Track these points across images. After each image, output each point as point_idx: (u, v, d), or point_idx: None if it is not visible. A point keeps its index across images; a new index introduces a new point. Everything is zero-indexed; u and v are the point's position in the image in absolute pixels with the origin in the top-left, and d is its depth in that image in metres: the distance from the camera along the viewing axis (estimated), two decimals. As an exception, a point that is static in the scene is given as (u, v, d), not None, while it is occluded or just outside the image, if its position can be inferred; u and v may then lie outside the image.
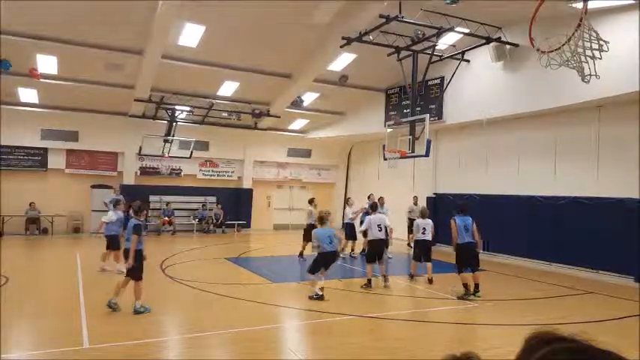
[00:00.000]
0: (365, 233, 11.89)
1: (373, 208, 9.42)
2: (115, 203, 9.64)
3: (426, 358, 5.14)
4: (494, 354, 5.00)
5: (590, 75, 7.03)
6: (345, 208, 13.02)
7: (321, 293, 7.55)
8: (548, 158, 11.72)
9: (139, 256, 6.57)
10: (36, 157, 16.02)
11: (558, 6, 7.71)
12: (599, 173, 10.61)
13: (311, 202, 12.54)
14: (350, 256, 12.28)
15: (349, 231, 12.37)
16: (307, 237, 11.07)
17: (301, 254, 11.81)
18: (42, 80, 13.24)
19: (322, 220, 7.94)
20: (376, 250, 8.85)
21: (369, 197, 13.57)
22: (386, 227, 8.98)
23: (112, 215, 9.21)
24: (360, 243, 12.31)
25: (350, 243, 12.38)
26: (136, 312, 6.42)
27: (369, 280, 8.63)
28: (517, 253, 12.29)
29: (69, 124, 16.02)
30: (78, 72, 13.34)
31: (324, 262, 7.74)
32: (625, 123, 10.07)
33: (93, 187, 16.61)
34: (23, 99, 14.79)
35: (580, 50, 6.77)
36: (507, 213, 12.43)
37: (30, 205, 15.58)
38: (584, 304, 8.08)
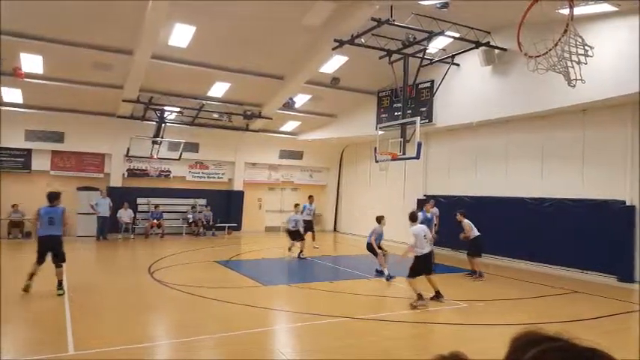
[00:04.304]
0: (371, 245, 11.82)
1: (412, 218, 7.95)
2: None
3: (416, 358, 5.15)
4: (482, 354, 5.01)
5: (576, 79, 7.14)
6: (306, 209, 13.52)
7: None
8: (536, 160, 11.88)
9: None
10: (19, 159, 15.68)
11: (546, 11, 7.82)
12: (585, 175, 10.80)
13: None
14: (299, 257, 12.30)
15: (296, 231, 12.52)
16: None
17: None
18: (26, 80, 13.01)
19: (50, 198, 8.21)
20: (425, 264, 7.79)
21: (309, 198, 14.02)
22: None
23: None
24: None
25: (299, 243, 12.43)
26: None
27: (420, 295, 7.55)
28: (504, 253, 12.39)
29: (54, 124, 15.74)
30: (64, 72, 13.13)
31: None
32: (608, 126, 10.29)
33: (79, 189, 16.37)
34: (6, 99, 14.48)
35: (566, 55, 6.88)
36: (496, 214, 12.53)
37: (13, 206, 15.23)
38: (570, 303, 8.17)
